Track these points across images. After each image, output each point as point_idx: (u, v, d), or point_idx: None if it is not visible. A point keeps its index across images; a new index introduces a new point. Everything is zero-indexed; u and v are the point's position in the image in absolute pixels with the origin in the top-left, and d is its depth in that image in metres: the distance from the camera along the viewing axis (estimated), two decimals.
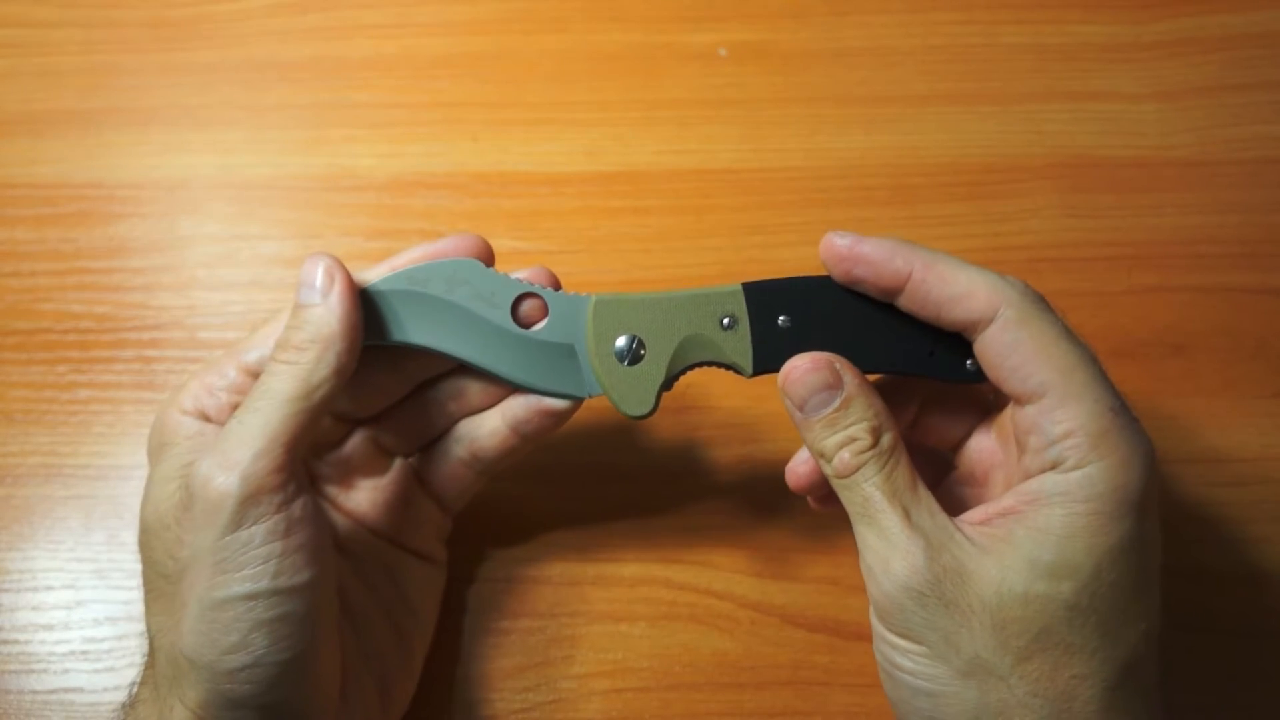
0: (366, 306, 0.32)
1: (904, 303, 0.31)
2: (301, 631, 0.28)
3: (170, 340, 0.43)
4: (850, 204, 0.45)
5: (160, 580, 0.29)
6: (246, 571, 0.28)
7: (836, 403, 0.31)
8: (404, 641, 0.35)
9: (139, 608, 0.38)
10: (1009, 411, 0.31)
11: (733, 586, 0.39)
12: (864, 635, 0.38)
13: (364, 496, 0.35)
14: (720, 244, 0.45)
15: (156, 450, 0.31)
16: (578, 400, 0.33)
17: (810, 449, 0.31)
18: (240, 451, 0.28)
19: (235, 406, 0.31)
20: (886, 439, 0.30)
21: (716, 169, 0.46)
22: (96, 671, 0.38)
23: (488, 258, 0.33)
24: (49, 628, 0.38)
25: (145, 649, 0.31)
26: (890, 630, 0.30)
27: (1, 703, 0.37)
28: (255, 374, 0.32)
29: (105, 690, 0.37)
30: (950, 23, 0.49)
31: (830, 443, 0.31)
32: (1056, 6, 0.49)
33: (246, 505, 0.28)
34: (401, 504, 0.35)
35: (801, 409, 0.31)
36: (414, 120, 0.47)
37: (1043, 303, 0.31)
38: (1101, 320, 0.43)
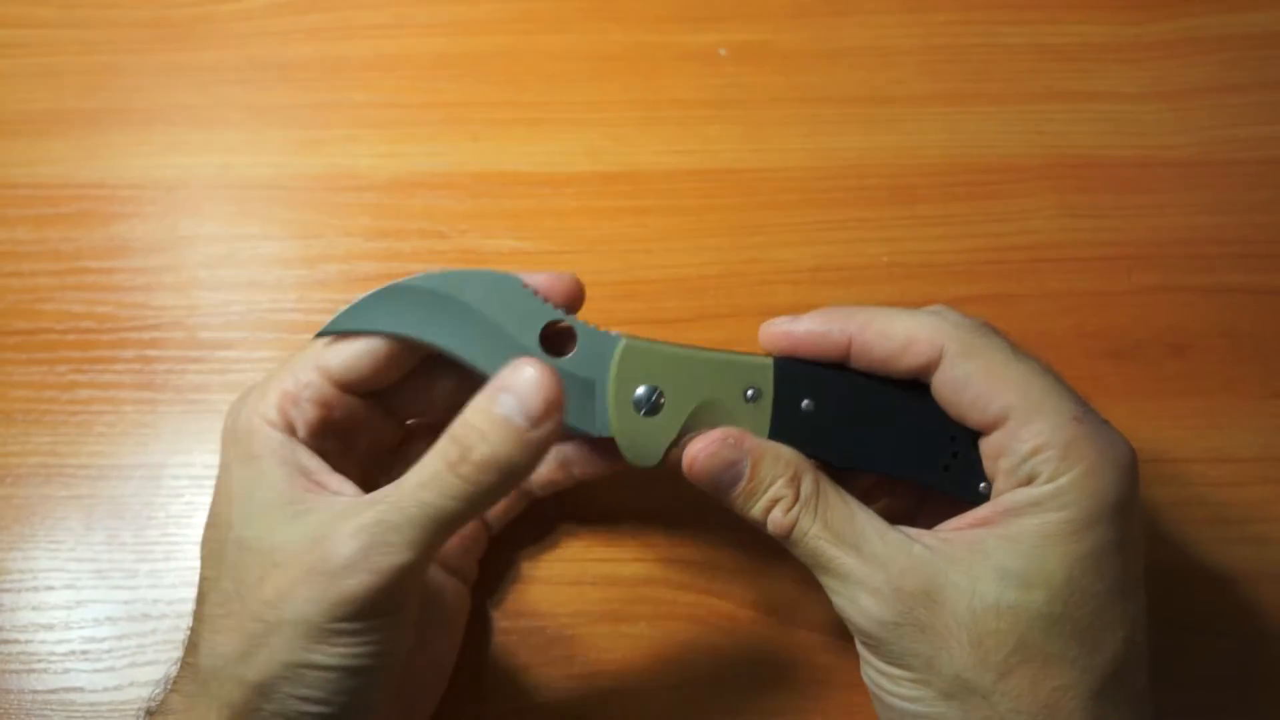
0: (398, 300, 0.32)
1: (854, 364, 0.32)
2: (378, 692, 0.29)
3: (170, 340, 0.43)
4: (850, 204, 0.45)
5: (240, 607, 0.28)
6: (351, 650, 0.28)
7: (745, 472, 0.31)
8: (433, 660, 0.35)
9: (139, 608, 0.38)
10: (980, 444, 0.31)
11: (733, 586, 0.39)
12: None
13: None
14: (720, 244, 0.45)
15: (245, 459, 0.30)
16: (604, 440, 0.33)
17: (748, 520, 0.31)
18: (386, 560, 0.27)
19: (321, 420, 0.31)
20: (806, 484, 0.30)
21: (716, 169, 0.46)
22: (96, 671, 0.38)
23: (577, 298, 0.33)
24: (49, 628, 0.38)
25: (186, 654, 0.30)
26: (875, 656, 0.30)
27: (1, 703, 0.37)
28: (339, 383, 0.31)
29: (105, 690, 0.37)
30: (950, 23, 0.49)
31: (758, 510, 0.31)
32: (1056, 6, 0.49)
33: (375, 608, 0.27)
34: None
35: (717, 486, 0.31)
36: (414, 120, 0.47)
37: (985, 328, 0.31)
38: (1101, 320, 0.43)
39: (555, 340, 0.33)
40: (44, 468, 0.41)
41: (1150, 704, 0.30)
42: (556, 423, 0.28)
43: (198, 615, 0.30)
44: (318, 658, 0.27)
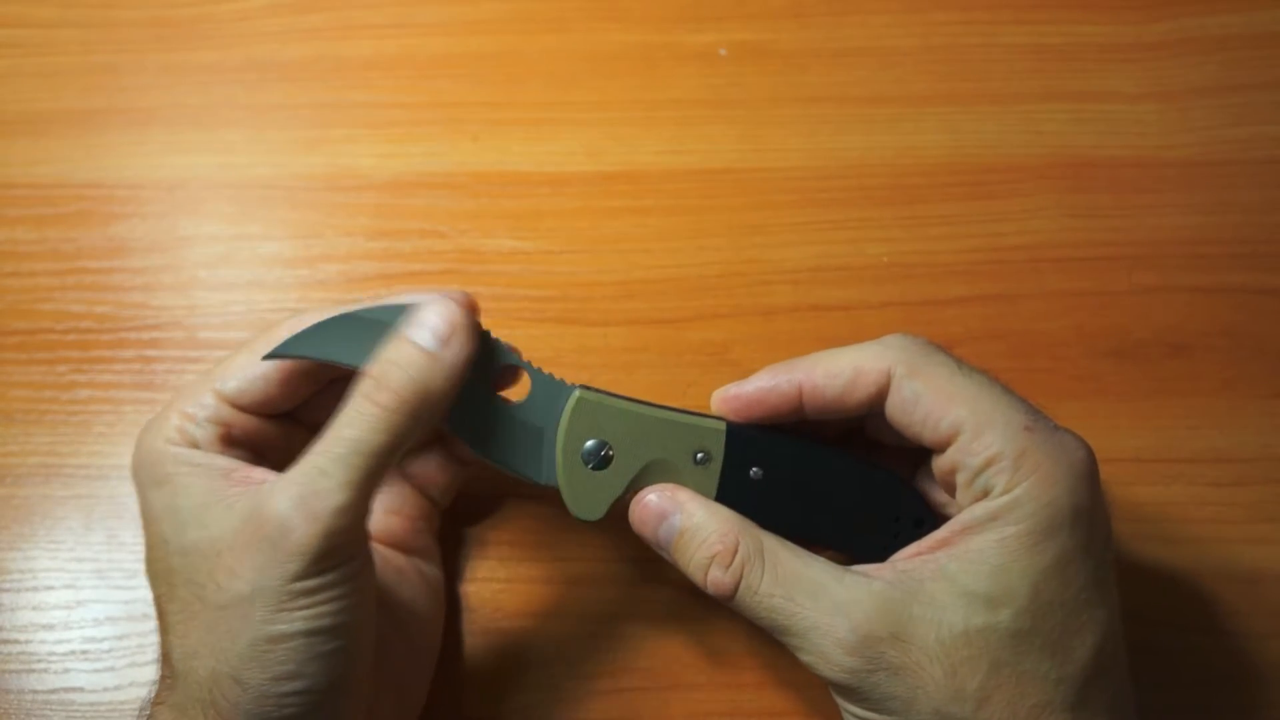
0: (348, 329, 0.31)
1: (810, 413, 0.31)
2: (352, 660, 0.29)
3: (170, 340, 0.43)
4: (850, 204, 0.45)
5: (197, 603, 0.28)
6: (310, 611, 0.27)
7: (678, 521, 0.31)
8: (413, 645, 0.35)
9: (139, 608, 0.38)
10: (934, 463, 0.31)
11: None
12: None
13: None
14: (720, 244, 0.45)
15: (156, 483, 0.30)
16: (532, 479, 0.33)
17: (691, 580, 0.31)
18: (323, 504, 0.27)
19: (222, 437, 0.31)
20: (746, 542, 0.30)
21: (716, 169, 0.46)
22: (96, 671, 0.38)
23: (474, 310, 0.33)
24: (49, 628, 0.38)
25: (161, 670, 0.30)
26: (851, 704, 0.30)
27: (1, 703, 0.37)
28: (235, 404, 0.31)
29: (105, 690, 0.37)
30: (950, 23, 0.49)
31: (695, 567, 0.31)
32: (1056, 6, 0.49)
33: (324, 558, 0.27)
34: (396, 508, 0.36)
35: (657, 545, 0.32)
36: (414, 120, 0.47)
37: (929, 347, 0.31)
38: (1101, 320, 0.43)
39: (508, 384, 0.32)
40: (44, 468, 0.41)
41: (1132, 708, 0.29)
42: (463, 342, 0.29)
43: (162, 629, 0.30)
44: (280, 627, 0.27)
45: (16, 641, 0.38)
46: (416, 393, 0.29)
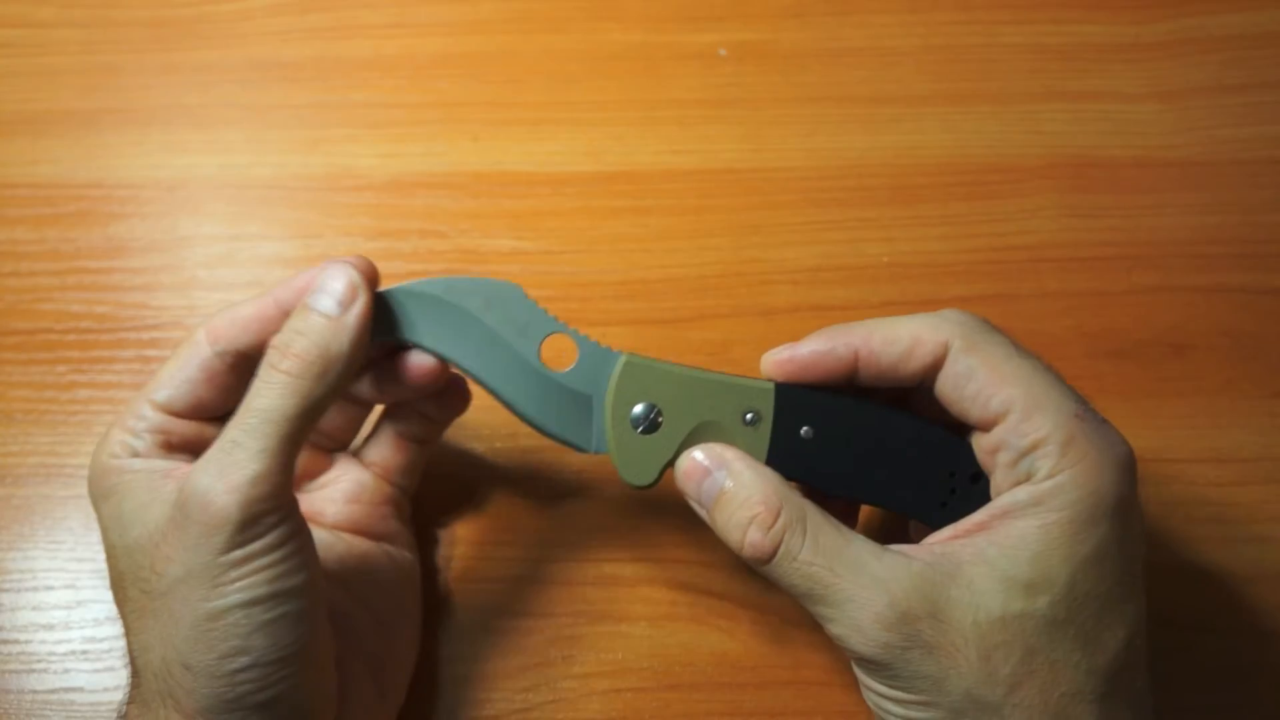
0: (396, 305, 0.32)
1: (863, 379, 0.31)
2: (298, 629, 0.29)
3: (170, 340, 0.43)
4: (850, 204, 0.45)
5: (143, 597, 0.29)
6: (244, 582, 0.28)
7: (724, 479, 0.31)
8: (389, 631, 0.35)
9: None
10: (975, 442, 0.31)
11: (733, 586, 0.39)
12: None
13: (316, 497, 0.36)
14: (720, 244, 0.45)
15: (104, 495, 0.31)
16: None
17: (727, 544, 0.31)
18: (239, 473, 0.28)
19: (163, 444, 0.31)
20: (790, 508, 0.30)
21: (716, 169, 0.46)
22: (96, 671, 0.38)
23: (372, 276, 0.32)
24: (49, 627, 0.38)
25: (129, 673, 0.30)
26: (877, 681, 0.29)
27: (1, 703, 0.37)
28: (170, 410, 0.32)
29: (105, 690, 0.37)
30: (950, 23, 0.49)
31: (732, 525, 0.30)
32: (1056, 6, 0.49)
33: (246, 527, 0.28)
34: (356, 495, 0.36)
35: (699, 502, 0.31)
36: (414, 120, 0.47)
37: (986, 325, 0.31)
38: (1101, 320, 0.43)
39: (554, 353, 0.32)
40: (44, 468, 0.41)
41: (1151, 703, 0.30)
42: (364, 304, 0.30)
43: (126, 634, 0.30)
44: (217, 603, 0.27)
45: (16, 641, 0.38)
46: (320, 356, 0.29)
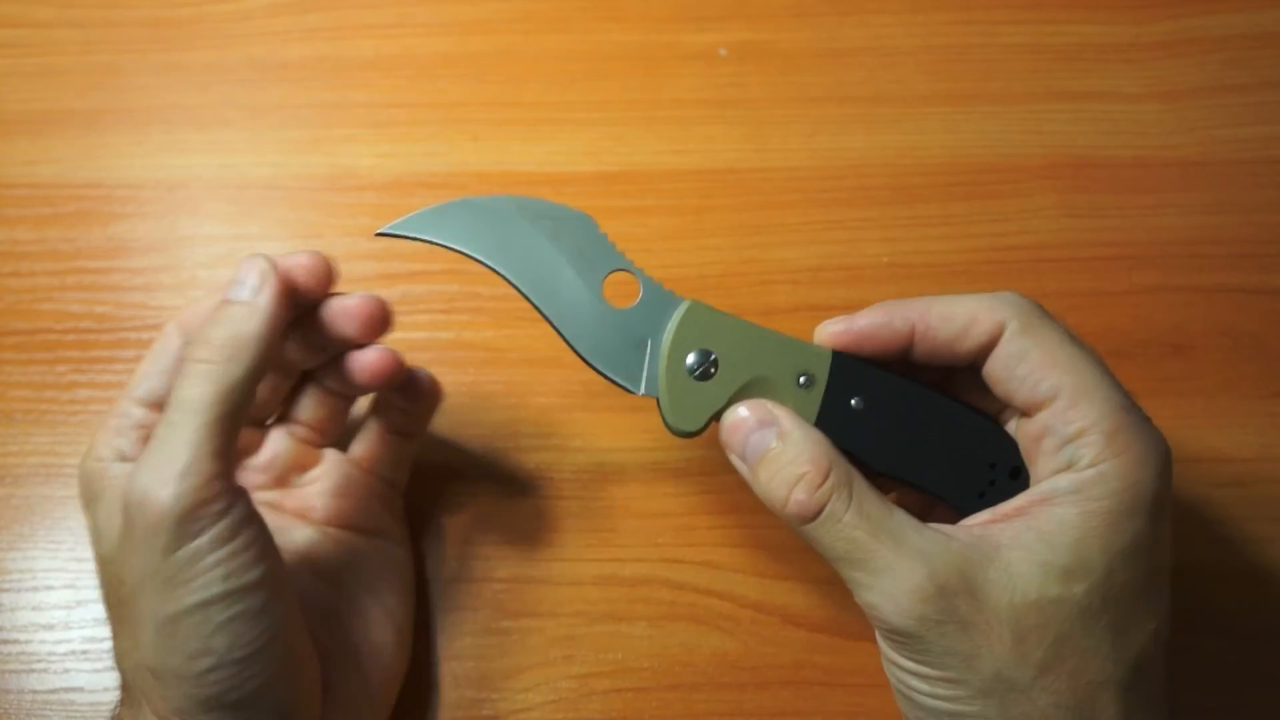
0: (468, 215, 0.31)
1: (917, 354, 0.31)
2: (260, 626, 0.28)
3: None
4: (850, 204, 0.45)
5: (117, 606, 0.29)
6: (196, 583, 0.28)
7: (773, 437, 0.30)
8: (378, 626, 0.35)
9: None
10: (1017, 427, 0.31)
11: (733, 586, 0.39)
12: (864, 635, 0.38)
13: (303, 493, 0.36)
14: (720, 244, 0.45)
15: (92, 501, 0.31)
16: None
17: (766, 501, 0.31)
18: (169, 468, 0.27)
19: (146, 440, 0.31)
20: (838, 472, 0.30)
21: (717, 169, 0.46)
22: (96, 671, 0.38)
23: (326, 278, 0.32)
24: (49, 627, 0.38)
25: (119, 680, 0.31)
26: (904, 655, 0.29)
27: (1, 702, 0.37)
28: (151, 404, 0.32)
29: (105, 690, 0.37)
30: (950, 23, 0.49)
31: (778, 482, 0.30)
32: (1056, 6, 0.49)
33: (185, 522, 0.27)
34: (343, 490, 0.36)
35: (743, 456, 0.31)
36: (414, 120, 0.47)
37: (1042, 310, 0.31)
38: (1101, 320, 0.43)
39: (617, 290, 0.32)
40: (44, 468, 0.41)
41: (1167, 699, 0.30)
42: (274, 288, 0.30)
43: (112, 644, 0.30)
44: (172, 606, 0.27)
45: (16, 641, 0.38)
46: (232, 339, 0.29)
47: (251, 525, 0.29)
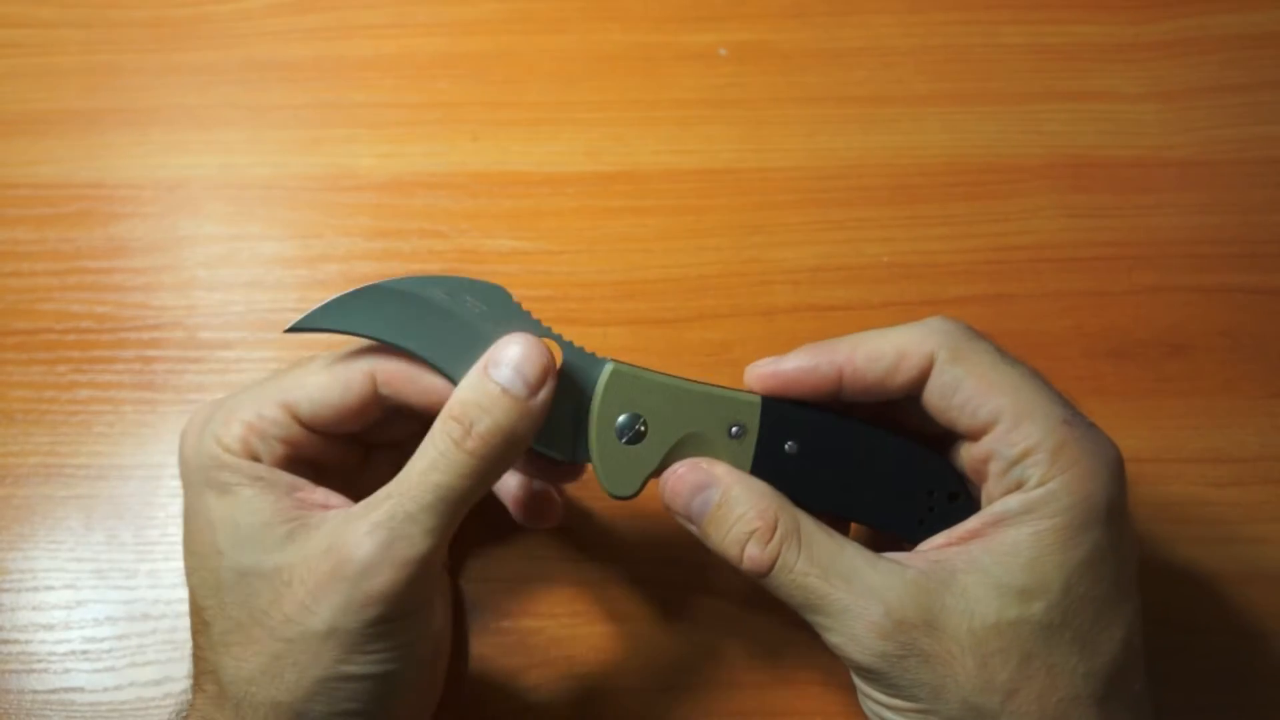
0: (377, 300, 0.30)
1: (849, 395, 0.31)
2: (406, 693, 0.29)
3: (170, 340, 0.43)
4: (850, 204, 0.45)
5: (257, 629, 0.28)
6: (384, 655, 0.28)
7: (715, 496, 0.30)
8: (425, 655, 0.35)
9: (139, 608, 0.38)
10: (964, 452, 0.31)
11: (733, 586, 0.39)
12: None
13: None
14: (720, 244, 0.45)
15: (216, 489, 0.30)
16: (572, 465, 0.33)
17: (722, 555, 0.31)
18: (409, 550, 0.27)
19: (287, 457, 0.30)
20: (785, 520, 0.30)
21: (716, 169, 0.46)
22: (96, 671, 0.38)
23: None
24: (49, 627, 0.38)
25: (199, 677, 0.30)
26: (875, 690, 0.29)
27: (1, 703, 0.37)
28: (304, 423, 0.31)
29: (105, 690, 0.37)
30: (950, 23, 0.49)
31: (730, 542, 0.30)
32: (1056, 6, 0.49)
33: (403, 603, 0.27)
34: None
35: (690, 519, 0.31)
36: (414, 120, 0.47)
37: (971, 333, 0.31)
38: (1101, 320, 0.43)
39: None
40: (44, 468, 0.41)
41: (1149, 704, 0.30)
42: (551, 389, 0.29)
43: (207, 644, 0.29)
44: (352, 668, 0.27)
45: (16, 641, 0.38)
46: (505, 440, 0.28)
47: (445, 601, 0.30)
